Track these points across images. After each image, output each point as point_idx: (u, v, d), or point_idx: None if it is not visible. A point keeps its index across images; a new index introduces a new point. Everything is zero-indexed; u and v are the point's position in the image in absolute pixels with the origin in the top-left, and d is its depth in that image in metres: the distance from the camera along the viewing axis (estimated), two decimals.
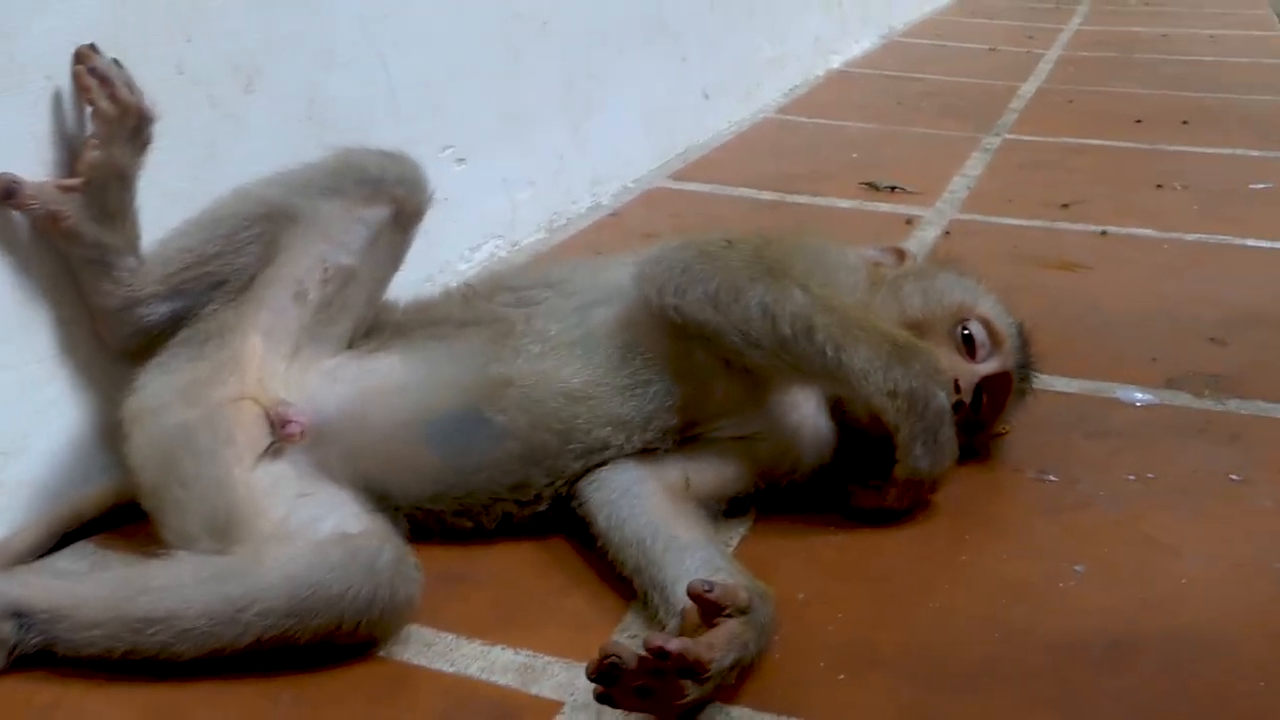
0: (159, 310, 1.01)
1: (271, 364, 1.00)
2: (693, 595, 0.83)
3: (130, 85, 1.00)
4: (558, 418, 1.01)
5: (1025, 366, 1.16)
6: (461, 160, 1.58)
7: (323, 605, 0.84)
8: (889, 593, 0.97)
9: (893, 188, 2.07)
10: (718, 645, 0.81)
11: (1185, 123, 2.60)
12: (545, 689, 0.86)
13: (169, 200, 1.11)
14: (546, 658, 0.89)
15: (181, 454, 0.94)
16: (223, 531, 0.91)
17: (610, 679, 0.78)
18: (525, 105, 1.74)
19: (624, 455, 1.03)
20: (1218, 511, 1.10)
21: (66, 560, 0.99)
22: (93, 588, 0.86)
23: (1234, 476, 1.16)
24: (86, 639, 0.84)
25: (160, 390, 0.97)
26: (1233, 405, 1.30)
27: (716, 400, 1.07)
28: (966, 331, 1.12)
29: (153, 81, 1.07)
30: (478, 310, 1.09)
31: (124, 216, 0.99)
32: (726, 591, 0.84)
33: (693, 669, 0.79)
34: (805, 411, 1.09)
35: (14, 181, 0.94)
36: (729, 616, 0.84)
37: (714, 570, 0.92)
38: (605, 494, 1.01)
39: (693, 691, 0.79)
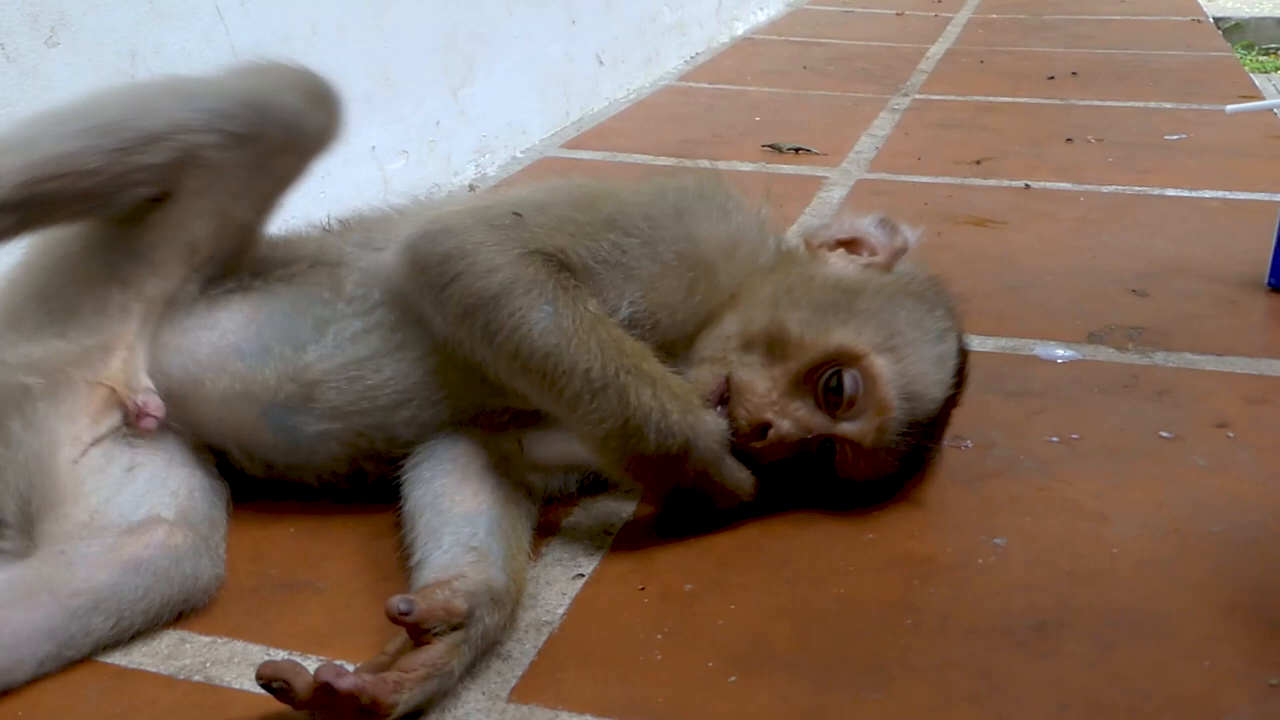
0: (6, 221, 0.83)
1: (142, 342, 0.90)
2: (390, 618, 0.72)
3: None
4: (374, 406, 0.91)
5: (920, 438, 0.90)
6: None
7: (137, 610, 0.80)
8: (787, 579, 0.86)
9: (797, 149, 1.96)
10: (408, 682, 0.71)
11: (1074, 74, 2.55)
12: None
13: None
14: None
15: (13, 415, 0.86)
16: (34, 512, 0.85)
17: (283, 700, 0.69)
18: (396, 67, 1.60)
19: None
20: (1148, 472, 1.00)
21: None
22: None
23: (1164, 433, 1.06)
24: None
25: (13, 353, 0.87)
26: (1159, 358, 1.20)
27: None
28: (834, 380, 0.89)
29: None
30: (327, 248, 0.97)
31: None
32: (430, 609, 0.73)
33: (371, 711, 0.69)
34: None
35: None
36: (440, 634, 0.73)
37: (465, 550, 0.82)
38: (418, 458, 0.91)
39: None
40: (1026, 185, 1.78)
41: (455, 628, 0.74)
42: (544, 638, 0.80)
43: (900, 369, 0.89)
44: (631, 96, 2.36)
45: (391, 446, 0.92)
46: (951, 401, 0.94)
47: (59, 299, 0.89)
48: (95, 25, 1.09)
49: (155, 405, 0.89)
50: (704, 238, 0.93)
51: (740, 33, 3.06)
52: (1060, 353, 1.21)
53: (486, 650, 0.77)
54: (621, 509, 0.95)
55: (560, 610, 0.82)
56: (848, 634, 0.80)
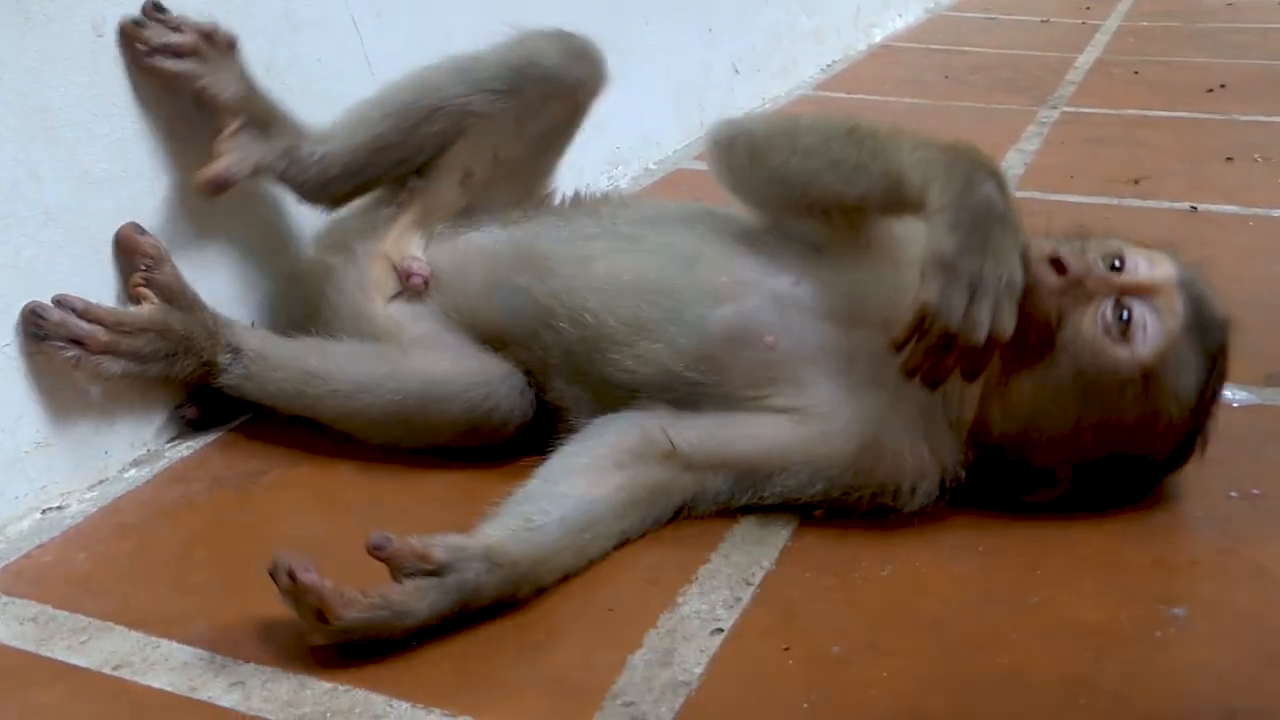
0: (348, 183, 1.10)
1: (414, 233, 1.09)
2: (369, 551, 0.78)
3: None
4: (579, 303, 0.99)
5: (1206, 318, 0.90)
6: None
7: (445, 398, 0.99)
8: (945, 645, 0.79)
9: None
10: (359, 604, 0.76)
11: (1224, 85, 2.41)
12: None
13: (91, 186, 0.96)
14: None
15: (327, 288, 1.08)
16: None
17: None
18: None
19: (656, 377, 0.96)
20: None
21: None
22: (284, 343, 1.05)
23: None
24: (273, 379, 1.02)
25: (323, 238, 1.13)
26: None
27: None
28: (1117, 258, 0.90)
29: (69, 45, 0.93)
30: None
31: (275, 121, 1.08)
32: (400, 550, 0.78)
33: (321, 615, 0.75)
34: (891, 422, 0.91)
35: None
36: (412, 576, 0.78)
37: (521, 525, 0.85)
38: (586, 427, 0.97)
39: (316, 630, 0.76)
40: (1193, 208, 1.68)
41: (430, 574, 0.78)
42: (681, 699, 0.74)
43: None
44: (767, 106, 2.30)
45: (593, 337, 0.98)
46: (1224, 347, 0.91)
47: (364, 199, 1.13)
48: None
49: (419, 266, 1.07)
50: None
51: (878, 40, 2.97)
52: (1236, 396, 1.12)
53: (480, 605, 0.80)
54: (766, 557, 0.89)
55: (698, 669, 0.77)
56: (1013, 713, 0.73)
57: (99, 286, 0.98)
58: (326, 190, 1.10)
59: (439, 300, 1.07)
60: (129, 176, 0.99)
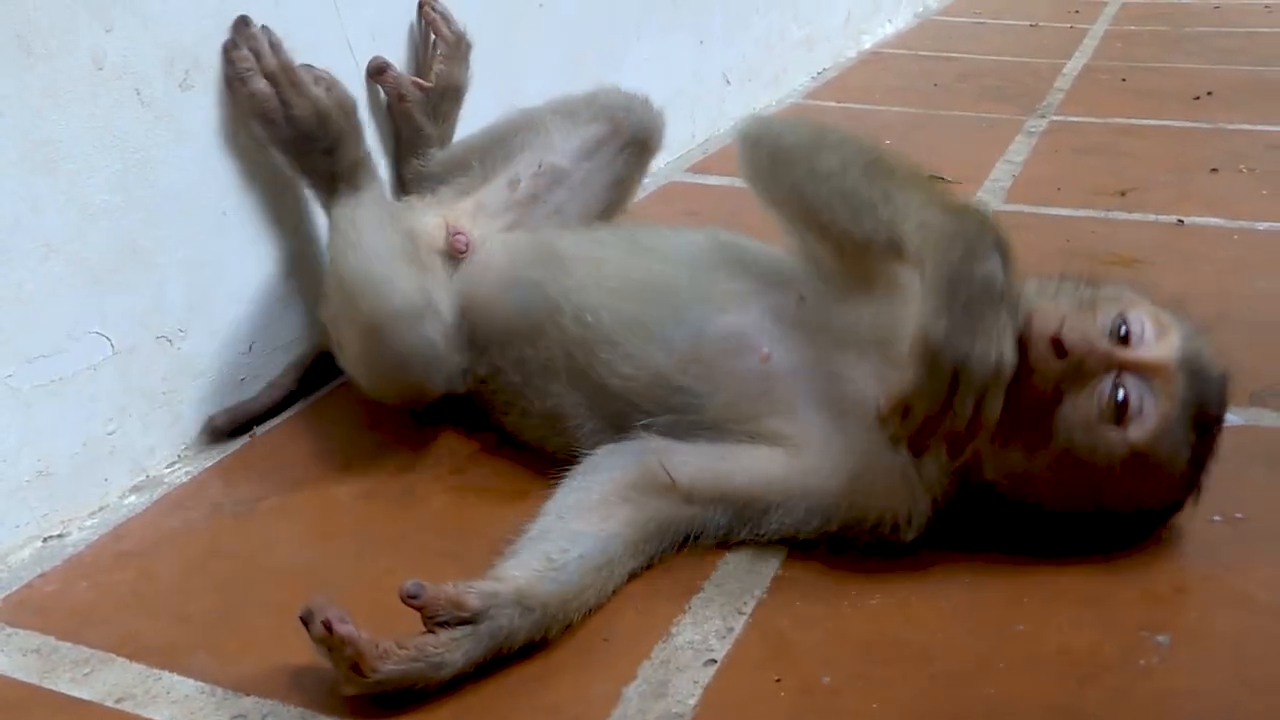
0: (433, 180, 1.26)
1: (467, 216, 1.18)
2: (402, 599, 0.78)
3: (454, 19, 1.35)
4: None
5: (1204, 398, 0.88)
6: None
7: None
8: (934, 675, 0.81)
9: (931, 177, 1.89)
10: (395, 656, 0.76)
11: (1210, 93, 2.43)
12: None
13: (91, 218, 0.97)
14: None
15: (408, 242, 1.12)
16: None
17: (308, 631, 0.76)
18: (522, 95, 1.57)
19: (650, 385, 0.98)
20: None
21: None
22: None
23: None
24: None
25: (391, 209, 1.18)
26: None
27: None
28: (1123, 325, 0.87)
29: (70, 79, 0.94)
30: None
31: (447, 120, 1.33)
32: (435, 598, 0.78)
33: (356, 666, 0.75)
34: (883, 454, 0.89)
35: (386, 64, 1.28)
36: (445, 624, 0.78)
37: (545, 565, 0.85)
38: (586, 460, 0.97)
39: (350, 682, 0.76)
40: (1180, 221, 1.69)
41: (464, 622, 0.78)
42: None
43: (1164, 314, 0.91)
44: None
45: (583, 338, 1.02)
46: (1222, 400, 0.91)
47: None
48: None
49: (465, 230, 1.17)
50: None
51: (868, 47, 2.98)
52: None
53: (512, 650, 0.80)
54: (755, 585, 0.91)
55: (692, 701, 0.78)
56: None
57: (98, 318, 0.99)
58: (416, 181, 1.28)
59: (461, 284, 1.12)
60: (129, 207, 1.00)
